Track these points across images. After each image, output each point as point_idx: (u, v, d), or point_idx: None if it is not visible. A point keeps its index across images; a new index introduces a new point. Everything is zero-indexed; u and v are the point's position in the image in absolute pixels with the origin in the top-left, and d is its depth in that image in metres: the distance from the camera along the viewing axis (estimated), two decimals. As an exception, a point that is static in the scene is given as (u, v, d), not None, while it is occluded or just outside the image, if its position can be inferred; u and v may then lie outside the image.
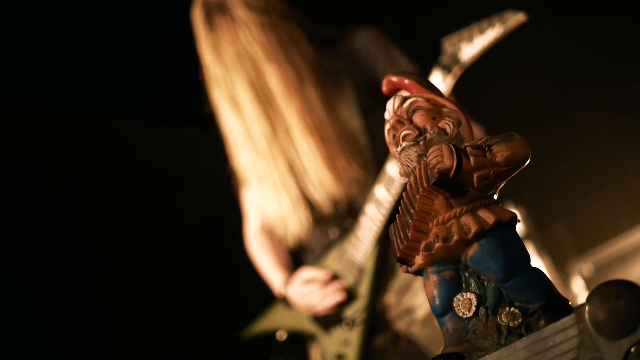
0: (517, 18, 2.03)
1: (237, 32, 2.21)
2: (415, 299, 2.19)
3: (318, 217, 2.28)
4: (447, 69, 2.08)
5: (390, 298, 2.24)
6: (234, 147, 2.31)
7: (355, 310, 2.23)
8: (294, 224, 2.27)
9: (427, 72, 2.14)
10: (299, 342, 2.42)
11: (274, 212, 2.30)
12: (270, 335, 2.42)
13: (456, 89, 2.09)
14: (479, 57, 2.08)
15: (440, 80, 2.06)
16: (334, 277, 2.26)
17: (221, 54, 2.23)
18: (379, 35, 2.33)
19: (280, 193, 2.25)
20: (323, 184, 2.21)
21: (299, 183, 2.24)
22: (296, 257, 2.46)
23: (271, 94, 2.22)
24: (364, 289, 2.22)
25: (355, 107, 2.28)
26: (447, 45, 2.10)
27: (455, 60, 2.07)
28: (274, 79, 2.20)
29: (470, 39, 2.08)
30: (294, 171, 2.23)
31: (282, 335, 2.39)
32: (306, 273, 2.28)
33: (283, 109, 2.21)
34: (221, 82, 2.26)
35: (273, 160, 2.23)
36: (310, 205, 2.26)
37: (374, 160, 2.24)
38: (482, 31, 2.06)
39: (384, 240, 2.18)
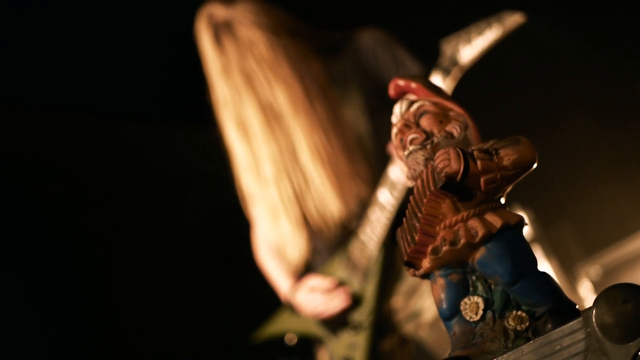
0: (515, 19, 2.03)
1: (245, 52, 2.20)
2: (422, 302, 2.19)
3: (322, 232, 2.28)
4: (446, 72, 2.08)
5: (397, 301, 2.24)
6: (239, 170, 2.31)
7: (361, 314, 2.22)
8: (293, 251, 2.27)
9: (426, 75, 2.14)
10: (306, 346, 2.42)
11: (272, 239, 2.31)
12: (279, 339, 2.42)
13: (459, 91, 2.08)
14: (478, 58, 2.08)
15: (440, 83, 2.06)
16: (341, 284, 2.26)
17: (230, 75, 2.22)
18: (384, 36, 2.33)
19: (280, 220, 2.25)
20: (328, 205, 2.21)
21: (303, 207, 2.24)
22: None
23: (280, 113, 2.21)
24: (369, 292, 2.22)
25: (362, 110, 2.28)
26: (446, 48, 2.10)
27: (454, 62, 2.07)
28: (283, 98, 2.20)
29: (468, 41, 2.07)
30: (299, 194, 2.23)
31: (291, 339, 2.38)
32: (312, 281, 2.28)
33: (291, 129, 2.21)
34: (229, 103, 2.25)
35: (276, 186, 2.23)
36: (314, 226, 2.26)
37: (380, 164, 2.24)
38: (480, 33, 2.06)
39: (389, 244, 2.18)
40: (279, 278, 2.41)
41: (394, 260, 2.21)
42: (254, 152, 2.25)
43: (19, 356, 3.03)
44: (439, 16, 2.84)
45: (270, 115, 2.22)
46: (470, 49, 2.06)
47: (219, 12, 2.23)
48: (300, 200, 2.24)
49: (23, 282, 3.11)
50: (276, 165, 2.23)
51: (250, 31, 2.20)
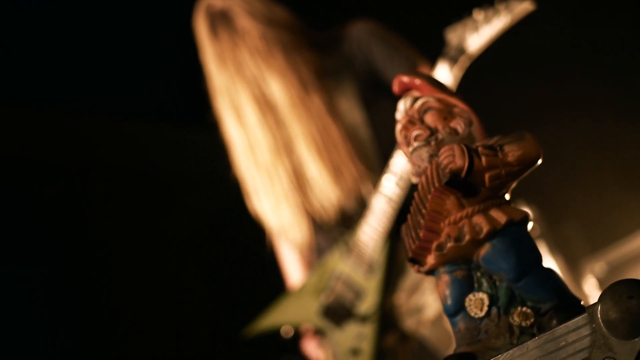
0: (524, 7, 1.99)
1: (240, 41, 2.21)
2: (424, 299, 2.18)
3: (322, 220, 2.28)
4: (453, 60, 2.05)
5: (399, 297, 2.22)
6: (236, 156, 2.32)
7: (368, 305, 2.20)
8: (293, 235, 2.27)
9: (430, 63, 2.12)
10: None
11: (273, 223, 2.31)
12: (276, 332, 2.35)
13: (464, 82, 2.05)
14: (486, 47, 2.05)
15: (447, 72, 2.03)
16: None
17: (225, 63, 2.23)
18: (375, 26, 2.32)
19: (280, 205, 2.25)
20: (326, 194, 2.20)
21: (302, 194, 2.24)
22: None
23: (275, 103, 2.22)
24: (376, 283, 2.19)
25: (357, 100, 2.28)
26: (452, 37, 2.07)
27: (461, 50, 2.04)
28: (277, 89, 2.20)
29: (475, 29, 2.04)
30: (297, 181, 2.23)
31: (288, 331, 2.32)
32: None
33: (287, 119, 2.21)
34: (225, 91, 2.26)
35: (274, 171, 2.23)
36: (313, 214, 2.26)
37: (378, 153, 2.23)
38: (488, 20, 2.03)
39: (395, 235, 2.15)
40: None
41: (396, 256, 2.20)
42: (250, 139, 2.26)
43: (19, 356, 3.03)
44: (440, 5, 2.82)
45: (264, 104, 2.22)
46: (478, 37, 2.03)
47: (217, 2, 2.26)
48: (298, 188, 2.24)
49: (23, 282, 3.11)
50: (272, 154, 2.23)
51: (244, 20, 2.21)
